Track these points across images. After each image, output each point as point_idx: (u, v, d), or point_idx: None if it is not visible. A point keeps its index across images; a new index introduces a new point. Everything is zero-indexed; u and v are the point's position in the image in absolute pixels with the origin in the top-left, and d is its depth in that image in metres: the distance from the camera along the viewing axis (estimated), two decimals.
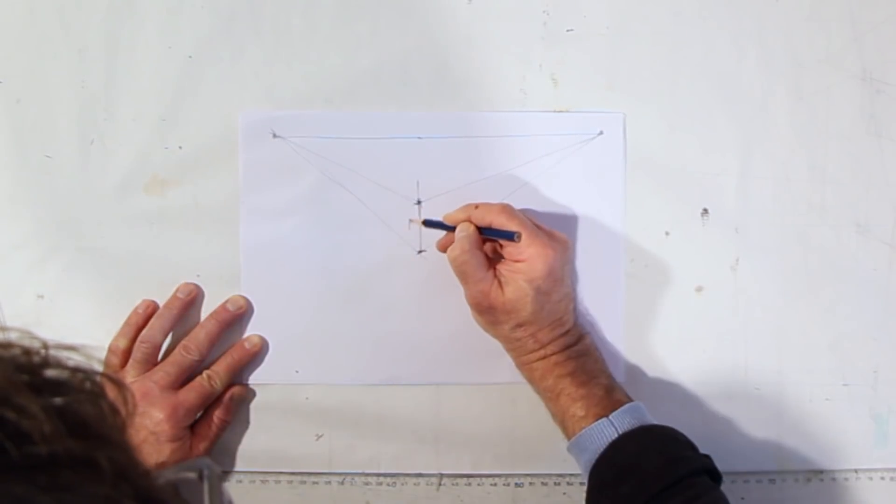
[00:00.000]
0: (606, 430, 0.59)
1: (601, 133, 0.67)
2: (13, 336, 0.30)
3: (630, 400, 0.62)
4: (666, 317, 0.68)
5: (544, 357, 0.62)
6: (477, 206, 0.63)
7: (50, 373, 0.29)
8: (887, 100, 0.67)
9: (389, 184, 0.67)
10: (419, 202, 0.67)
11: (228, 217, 0.67)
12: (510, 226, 0.61)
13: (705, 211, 0.68)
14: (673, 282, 0.68)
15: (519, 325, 0.61)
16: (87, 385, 0.30)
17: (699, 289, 0.68)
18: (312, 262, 0.67)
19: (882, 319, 0.68)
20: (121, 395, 0.31)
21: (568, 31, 0.67)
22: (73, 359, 0.30)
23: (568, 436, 0.62)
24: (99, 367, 0.31)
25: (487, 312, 0.62)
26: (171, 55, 0.67)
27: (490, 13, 0.67)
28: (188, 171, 0.67)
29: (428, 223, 0.66)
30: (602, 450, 0.59)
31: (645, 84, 0.67)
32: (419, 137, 0.67)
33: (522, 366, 0.64)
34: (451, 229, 0.64)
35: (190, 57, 0.67)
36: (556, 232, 0.63)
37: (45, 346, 0.30)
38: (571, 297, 0.64)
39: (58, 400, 0.28)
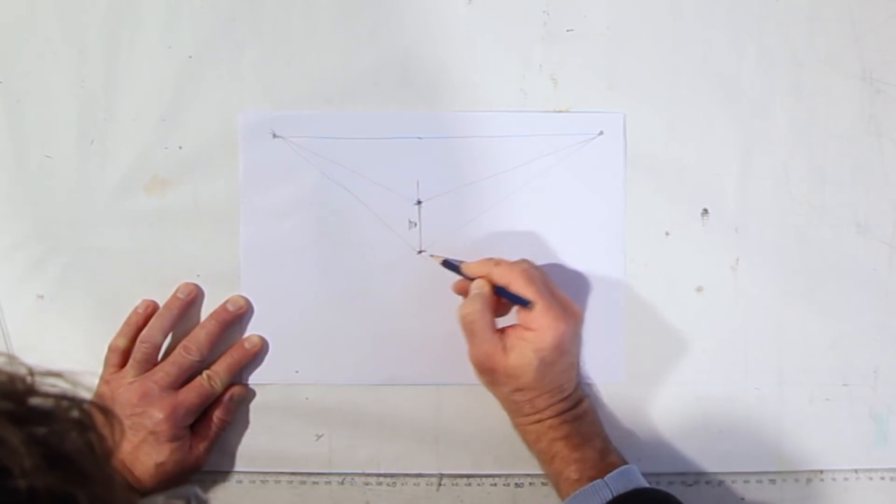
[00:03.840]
0: (601, 492, 0.59)
1: (601, 133, 0.67)
2: None
3: (625, 462, 0.61)
4: (666, 317, 0.68)
5: (539, 421, 0.62)
6: (497, 264, 0.62)
7: (34, 401, 0.29)
8: (887, 100, 0.67)
9: (389, 184, 0.67)
10: (419, 202, 0.67)
11: (228, 217, 0.67)
12: (527, 293, 0.60)
13: (705, 211, 0.68)
14: (673, 282, 0.68)
15: (518, 390, 0.61)
16: (74, 413, 0.29)
17: (699, 289, 0.68)
18: (312, 262, 0.67)
19: (882, 319, 0.68)
20: (108, 423, 0.31)
21: (568, 31, 0.67)
22: (59, 386, 0.30)
23: (562, 497, 0.61)
24: (87, 395, 0.30)
25: (488, 373, 0.62)
26: (171, 55, 0.67)
27: (490, 13, 0.67)
28: (188, 171, 0.67)
29: (447, 264, 0.65)
30: None
31: (645, 84, 0.67)
32: (419, 137, 0.67)
33: (517, 426, 0.64)
34: (469, 279, 0.63)
35: (190, 57, 0.67)
36: (571, 303, 0.62)
37: (31, 372, 0.29)
38: (575, 365, 0.64)
39: (41, 430, 0.28)
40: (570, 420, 0.62)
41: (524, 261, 0.63)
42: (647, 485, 0.60)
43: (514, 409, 0.63)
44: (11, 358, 0.29)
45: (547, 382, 0.61)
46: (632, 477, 0.60)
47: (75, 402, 0.29)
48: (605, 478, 0.59)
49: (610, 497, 0.58)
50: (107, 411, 0.31)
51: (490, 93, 0.67)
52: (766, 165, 0.68)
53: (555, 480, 0.62)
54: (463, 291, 0.64)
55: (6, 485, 0.26)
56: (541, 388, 0.61)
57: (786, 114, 0.67)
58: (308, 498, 0.68)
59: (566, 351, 0.61)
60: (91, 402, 0.30)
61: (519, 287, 0.60)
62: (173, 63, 0.67)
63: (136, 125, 0.67)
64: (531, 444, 0.63)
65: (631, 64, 0.67)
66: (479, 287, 0.62)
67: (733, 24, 0.67)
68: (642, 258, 0.68)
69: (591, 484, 0.59)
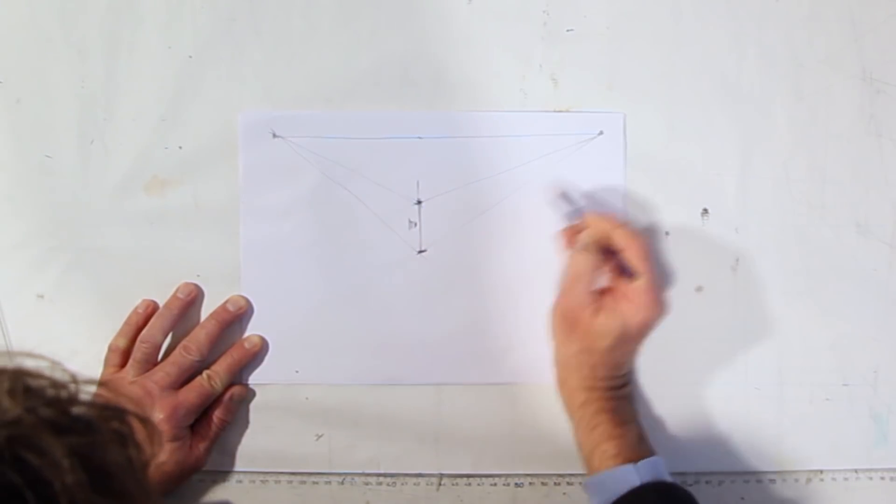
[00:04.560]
0: (630, 477, 0.59)
1: (601, 133, 0.67)
2: (44, 365, 0.29)
3: (654, 453, 0.62)
4: (666, 317, 0.68)
5: (591, 388, 0.62)
6: (620, 227, 0.62)
7: (77, 410, 0.29)
8: (887, 100, 0.67)
9: (389, 184, 0.67)
10: (419, 202, 0.67)
11: (228, 217, 0.67)
12: (641, 266, 0.60)
13: (705, 211, 0.68)
14: (673, 282, 0.68)
15: (587, 351, 0.62)
16: (115, 424, 0.29)
17: (699, 289, 0.68)
18: (312, 262, 0.67)
19: (882, 319, 0.68)
20: (147, 433, 0.30)
21: (568, 31, 0.67)
22: (102, 395, 0.29)
23: (591, 470, 0.62)
24: (128, 405, 0.30)
25: (569, 324, 0.62)
26: (171, 55, 0.67)
27: (490, 13, 0.67)
28: (188, 171, 0.67)
29: (565, 197, 0.65)
30: (621, 494, 0.59)
31: (645, 84, 0.67)
32: (419, 137, 0.67)
33: (564, 386, 0.64)
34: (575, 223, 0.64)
35: (190, 57, 0.67)
36: (665, 298, 0.63)
37: (75, 380, 0.29)
38: (637, 351, 0.66)
39: (82, 441, 0.28)
40: (616, 398, 0.63)
41: (642, 232, 0.64)
42: (672, 480, 0.61)
43: (572, 368, 0.63)
44: (54, 364, 0.29)
45: (616, 355, 0.62)
46: (660, 469, 0.60)
47: (117, 412, 0.29)
48: (638, 464, 0.59)
49: (637, 483, 0.59)
50: (146, 421, 0.31)
51: (490, 93, 0.67)
52: (766, 165, 0.68)
53: (588, 450, 0.62)
54: (570, 238, 0.64)
55: (45, 493, 0.25)
56: (608, 359, 0.62)
57: (786, 114, 0.67)
58: (308, 498, 0.68)
59: (644, 335, 0.63)
60: (131, 413, 0.30)
61: (634, 257, 0.61)
62: (173, 63, 0.67)
63: (136, 125, 0.67)
64: (575, 407, 0.63)
65: (631, 64, 0.67)
66: (595, 239, 0.62)
67: (733, 24, 0.67)
68: None
69: (621, 467, 0.59)
